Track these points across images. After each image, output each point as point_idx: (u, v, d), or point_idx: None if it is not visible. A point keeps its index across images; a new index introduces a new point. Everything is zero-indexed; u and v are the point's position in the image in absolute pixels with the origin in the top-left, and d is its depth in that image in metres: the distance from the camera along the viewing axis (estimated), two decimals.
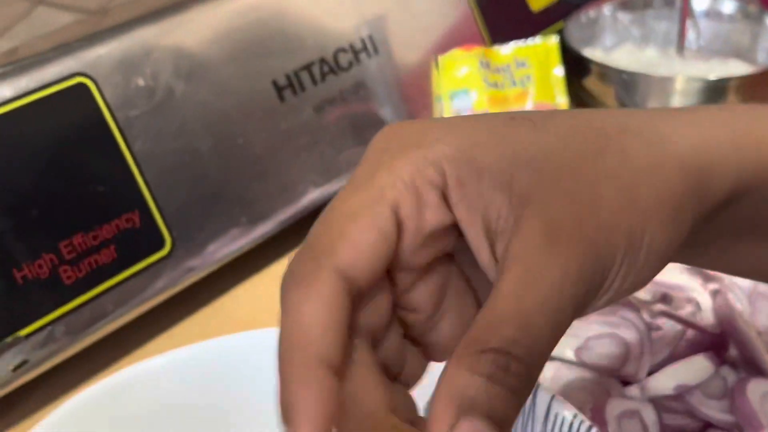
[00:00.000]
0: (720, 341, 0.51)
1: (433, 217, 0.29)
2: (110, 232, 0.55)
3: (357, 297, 0.28)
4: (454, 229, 0.30)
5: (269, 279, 0.65)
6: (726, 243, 0.35)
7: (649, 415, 0.48)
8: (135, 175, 0.56)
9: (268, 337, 0.49)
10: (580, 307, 0.28)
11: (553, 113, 0.31)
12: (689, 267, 0.53)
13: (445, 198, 0.29)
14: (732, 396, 0.49)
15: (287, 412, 0.26)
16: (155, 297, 0.58)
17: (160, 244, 0.57)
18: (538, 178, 0.28)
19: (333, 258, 0.27)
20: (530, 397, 0.44)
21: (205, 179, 0.60)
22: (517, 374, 0.26)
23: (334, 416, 0.26)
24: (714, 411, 0.49)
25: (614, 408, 0.49)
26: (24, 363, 0.52)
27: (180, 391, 0.47)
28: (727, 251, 0.35)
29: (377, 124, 0.69)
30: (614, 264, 0.29)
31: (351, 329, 0.28)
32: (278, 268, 0.66)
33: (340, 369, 0.27)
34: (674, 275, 0.52)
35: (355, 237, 0.28)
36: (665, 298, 0.51)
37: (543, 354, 0.27)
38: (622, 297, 0.31)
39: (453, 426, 0.25)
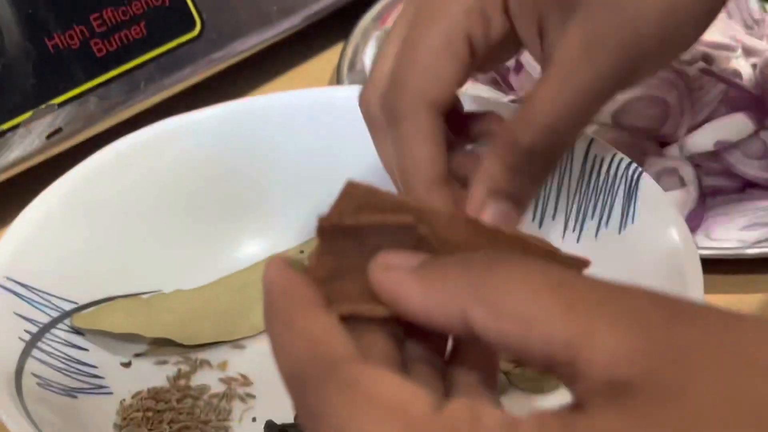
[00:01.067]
0: (761, 104, 0.50)
1: (498, 30, 0.34)
2: (139, 9, 0.55)
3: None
4: (514, 40, 0.35)
5: (298, 77, 0.65)
6: None
7: (688, 172, 0.49)
8: None
9: (305, 96, 0.49)
10: (608, 99, 0.34)
11: None
12: (730, 32, 0.52)
13: (506, 11, 0.34)
14: None
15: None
16: (185, 80, 0.57)
17: (190, 25, 0.57)
18: None
19: (426, 95, 0.34)
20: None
21: None
22: (538, 165, 0.33)
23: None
24: (754, 169, 0.49)
25: (652, 165, 0.49)
26: (58, 131, 0.52)
27: (213, 144, 0.48)
28: None
29: None
30: (646, 61, 0.34)
31: None
32: (307, 67, 0.66)
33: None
34: (716, 35, 0.51)
35: (440, 72, 0.34)
36: (706, 58, 0.50)
37: (564, 146, 0.34)
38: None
39: (484, 204, 0.33)
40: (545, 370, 0.22)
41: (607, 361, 0.20)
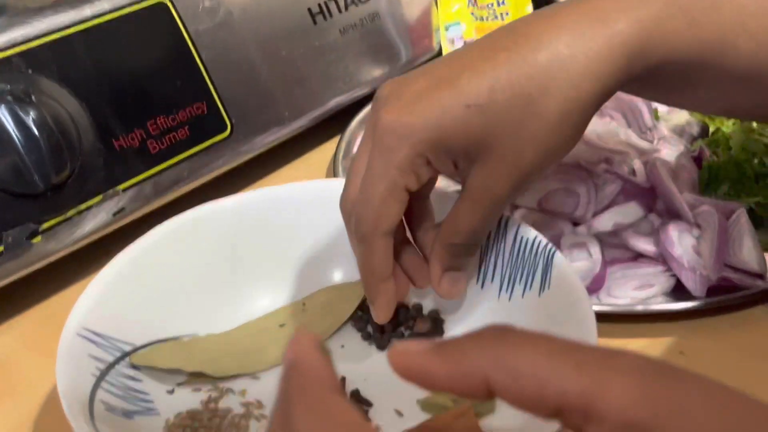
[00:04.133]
0: (649, 194, 0.53)
1: (425, 175, 0.39)
2: (184, 116, 0.57)
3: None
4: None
5: (304, 164, 0.68)
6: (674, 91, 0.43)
7: (594, 246, 0.51)
8: (203, 74, 0.59)
9: (308, 187, 0.52)
10: (507, 205, 0.42)
11: (497, 84, 0.37)
12: (627, 139, 0.55)
13: (429, 163, 0.39)
14: (657, 233, 0.51)
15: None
16: (218, 169, 0.60)
17: (223, 128, 0.60)
18: (482, 148, 0.38)
19: (379, 228, 0.40)
20: (501, 226, 0.47)
21: (257, 81, 0.62)
22: (467, 250, 0.43)
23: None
24: (643, 243, 0.51)
25: (567, 240, 0.51)
26: (121, 210, 0.54)
27: (236, 223, 0.50)
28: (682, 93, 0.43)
29: (388, 46, 0.71)
30: (528, 182, 0.39)
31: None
32: (311, 156, 0.69)
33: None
34: (615, 143, 0.54)
35: (390, 213, 0.40)
36: (608, 160, 0.53)
37: (479, 241, 0.43)
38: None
39: (441, 275, 0.43)
40: (553, 417, 0.22)
41: (623, 405, 0.21)
